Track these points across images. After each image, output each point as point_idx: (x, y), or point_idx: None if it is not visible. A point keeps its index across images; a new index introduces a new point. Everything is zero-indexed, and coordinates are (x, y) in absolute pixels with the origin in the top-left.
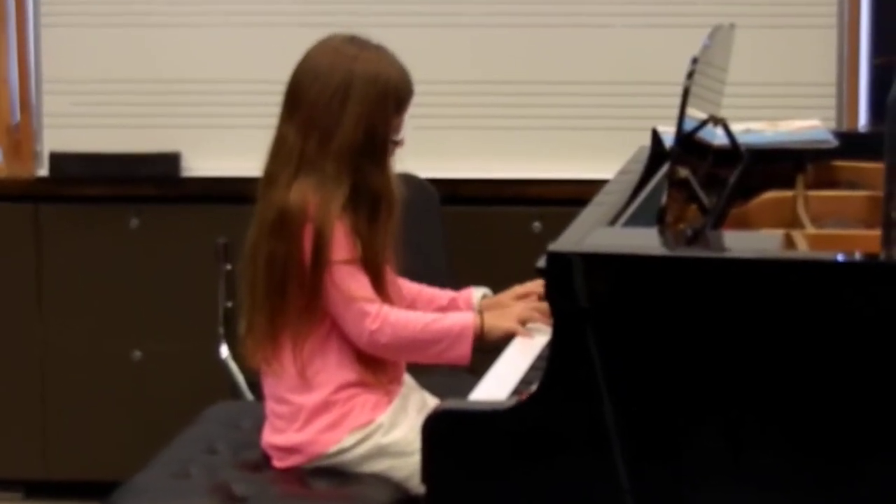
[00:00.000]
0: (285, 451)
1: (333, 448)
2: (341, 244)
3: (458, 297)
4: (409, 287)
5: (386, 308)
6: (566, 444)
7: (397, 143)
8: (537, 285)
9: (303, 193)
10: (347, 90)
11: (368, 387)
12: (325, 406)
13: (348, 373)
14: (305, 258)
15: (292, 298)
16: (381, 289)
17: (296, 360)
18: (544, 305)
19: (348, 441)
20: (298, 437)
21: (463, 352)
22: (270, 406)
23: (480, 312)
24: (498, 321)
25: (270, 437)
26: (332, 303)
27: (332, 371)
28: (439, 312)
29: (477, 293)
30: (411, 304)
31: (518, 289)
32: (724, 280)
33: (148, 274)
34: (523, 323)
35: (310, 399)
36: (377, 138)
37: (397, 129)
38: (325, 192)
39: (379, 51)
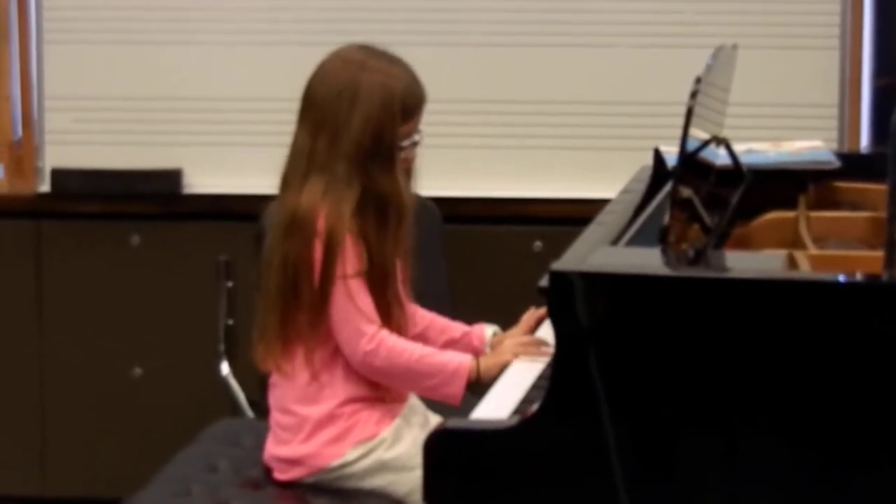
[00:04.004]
0: (288, 462)
1: (336, 462)
2: (349, 258)
3: (471, 333)
4: (421, 314)
5: (384, 332)
6: (567, 463)
7: (405, 150)
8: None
9: (314, 196)
10: (354, 93)
11: (373, 402)
12: (329, 419)
13: (354, 387)
14: (316, 262)
15: (304, 300)
16: (387, 303)
17: (308, 366)
18: (536, 337)
19: (351, 455)
20: (302, 448)
21: (455, 391)
22: (275, 417)
23: (477, 356)
24: (493, 360)
25: (274, 448)
26: (333, 316)
27: (339, 384)
28: (450, 344)
29: (488, 331)
30: (422, 332)
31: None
32: (726, 300)
33: (149, 291)
34: (517, 357)
35: (315, 411)
36: (384, 143)
37: (405, 136)
38: (336, 193)
39: (391, 60)
